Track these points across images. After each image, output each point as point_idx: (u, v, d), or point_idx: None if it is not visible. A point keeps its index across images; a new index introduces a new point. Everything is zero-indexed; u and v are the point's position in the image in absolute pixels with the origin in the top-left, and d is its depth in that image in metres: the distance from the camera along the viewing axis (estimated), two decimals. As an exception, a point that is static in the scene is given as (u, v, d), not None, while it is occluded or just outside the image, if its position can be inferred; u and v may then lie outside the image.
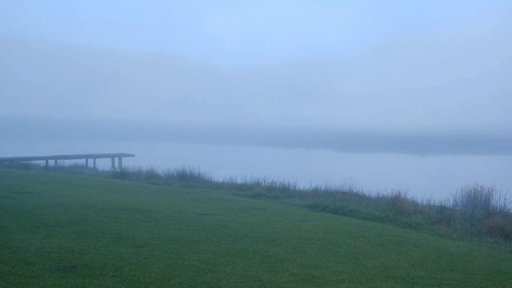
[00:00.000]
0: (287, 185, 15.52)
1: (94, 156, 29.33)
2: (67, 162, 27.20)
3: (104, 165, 27.45)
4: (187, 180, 17.39)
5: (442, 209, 12.03)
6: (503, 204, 12.33)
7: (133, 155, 31.27)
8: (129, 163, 23.50)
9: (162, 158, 26.30)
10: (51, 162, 26.13)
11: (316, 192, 14.75)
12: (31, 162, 26.08)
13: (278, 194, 14.07)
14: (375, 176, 27.35)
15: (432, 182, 23.85)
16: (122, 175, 18.86)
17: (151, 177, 18.33)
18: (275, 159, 45.45)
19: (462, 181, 14.92)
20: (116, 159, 30.08)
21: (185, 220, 8.58)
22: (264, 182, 16.28)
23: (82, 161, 28.52)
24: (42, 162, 26.41)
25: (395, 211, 11.01)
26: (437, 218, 10.53)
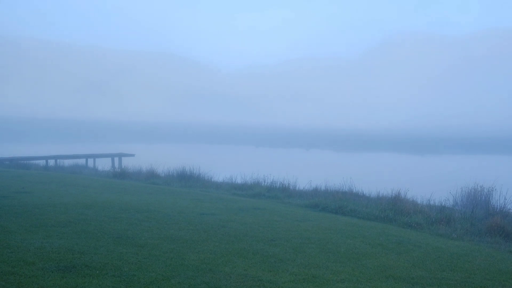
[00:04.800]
0: (287, 185, 15.51)
1: (94, 156, 29.31)
2: (67, 162, 27.20)
3: (104, 165, 27.43)
4: (187, 180, 17.38)
5: (442, 209, 12.01)
6: (503, 204, 12.32)
7: (133, 155, 31.26)
8: (129, 163, 23.50)
9: (162, 158, 26.28)
10: (51, 162, 26.13)
11: (316, 192, 14.75)
12: (31, 162, 26.07)
13: (278, 194, 14.06)
14: (375, 176, 27.34)
15: (432, 182, 23.84)
16: (122, 175, 18.85)
17: (151, 177, 18.32)
18: (275, 159, 45.44)
19: (462, 181, 14.90)
20: (116, 159, 30.08)
21: (185, 220, 8.58)
22: (264, 182, 16.26)
23: (82, 161, 28.50)
24: (42, 162, 26.41)
25: (395, 211, 11.00)
26: (437, 218, 10.52)
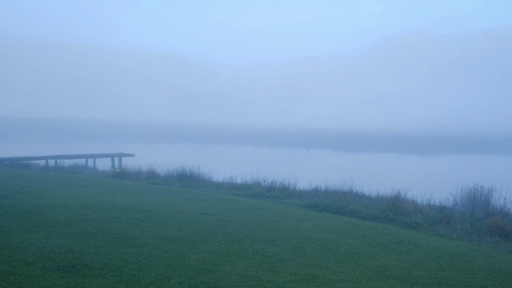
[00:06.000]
0: (287, 185, 15.50)
1: (94, 156, 29.30)
2: (67, 162, 27.20)
3: (104, 165, 27.43)
4: (187, 180, 17.38)
5: (442, 209, 12.02)
6: (503, 204, 12.31)
7: (133, 155, 31.26)
8: (129, 163, 23.48)
9: (162, 158, 26.28)
10: (51, 162, 26.13)
11: (316, 192, 14.74)
12: (31, 162, 26.07)
13: (278, 194, 14.06)
14: (375, 176, 27.34)
15: (432, 182, 23.84)
16: (122, 175, 18.85)
17: (151, 177, 18.32)
18: (275, 159, 45.44)
19: (462, 181, 14.90)
20: (116, 159, 30.07)
21: (185, 220, 8.58)
22: (264, 182, 16.26)
23: (82, 161, 28.50)
24: (42, 162, 26.41)
25: (395, 211, 11.00)
26: (437, 218, 10.52)
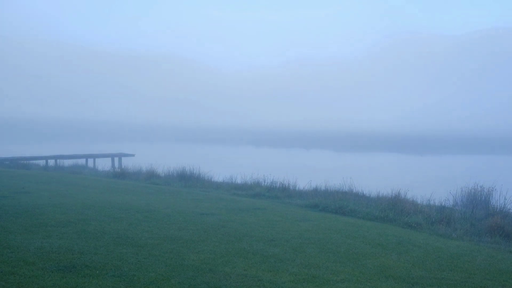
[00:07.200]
0: (287, 185, 15.50)
1: (94, 156, 29.30)
2: (67, 162, 27.21)
3: (104, 165, 27.42)
4: (187, 180, 17.38)
5: (442, 209, 12.01)
6: (503, 204, 12.32)
7: (133, 155, 31.26)
8: (129, 163, 23.49)
9: (162, 158, 26.27)
10: (51, 162, 26.13)
11: (316, 192, 14.73)
12: (31, 162, 26.07)
13: (278, 194, 14.07)
14: (375, 176, 27.33)
15: (432, 182, 23.85)
16: (122, 175, 18.85)
17: (151, 177, 18.32)
18: (275, 159, 45.42)
19: (462, 181, 14.90)
20: (116, 159, 30.07)
21: (185, 220, 8.59)
22: (264, 182, 16.25)
23: (82, 161, 28.52)
24: (42, 162, 26.42)
25: (395, 211, 11.00)
26: (437, 218, 10.53)
